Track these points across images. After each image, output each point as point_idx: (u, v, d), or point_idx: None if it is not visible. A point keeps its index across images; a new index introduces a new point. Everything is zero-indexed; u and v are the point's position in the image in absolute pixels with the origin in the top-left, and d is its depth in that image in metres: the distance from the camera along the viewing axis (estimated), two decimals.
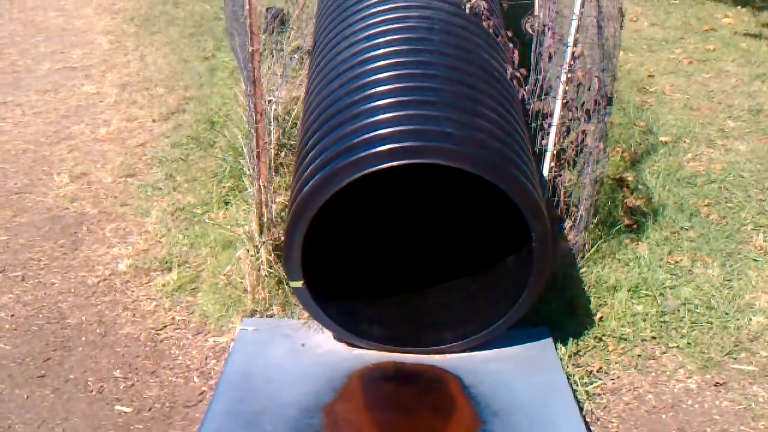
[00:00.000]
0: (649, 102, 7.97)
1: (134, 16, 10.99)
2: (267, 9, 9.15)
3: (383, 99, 4.15)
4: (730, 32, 11.02)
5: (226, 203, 5.83)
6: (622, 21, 5.05)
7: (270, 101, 5.66)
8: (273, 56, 7.40)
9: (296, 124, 6.27)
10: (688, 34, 10.80)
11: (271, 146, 5.36)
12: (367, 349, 4.40)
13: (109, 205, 6.01)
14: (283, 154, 5.88)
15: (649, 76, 8.81)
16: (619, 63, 5.35)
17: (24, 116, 7.60)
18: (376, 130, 3.96)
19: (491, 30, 4.90)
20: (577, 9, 4.64)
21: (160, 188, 6.18)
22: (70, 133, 7.22)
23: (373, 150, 3.86)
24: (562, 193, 4.97)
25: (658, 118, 7.51)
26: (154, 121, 7.43)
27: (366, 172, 3.85)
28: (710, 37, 10.69)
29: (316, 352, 4.42)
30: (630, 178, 6.17)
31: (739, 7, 12.56)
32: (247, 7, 4.61)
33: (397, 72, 4.34)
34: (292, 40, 8.34)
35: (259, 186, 4.73)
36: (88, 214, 5.89)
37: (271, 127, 5.49)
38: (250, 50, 4.61)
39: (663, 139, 7.04)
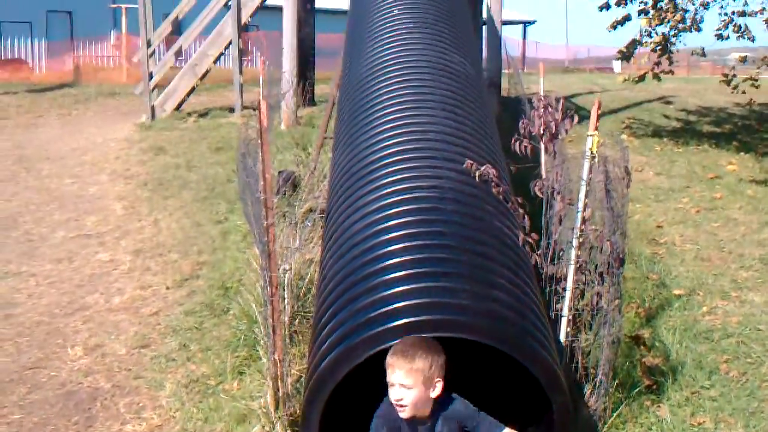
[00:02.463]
0: (660, 254, 8.00)
1: (148, 180, 11.21)
2: (279, 172, 9.34)
3: (397, 271, 4.17)
4: (735, 179, 11.16)
5: (241, 373, 5.77)
6: (629, 180, 5.12)
7: (284, 270, 5.69)
8: (286, 219, 7.50)
9: (310, 289, 6.29)
10: (693, 183, 10.94)
11: (286, 316, 5.36)
12: None
13: (122, 378, 5.96)
14: (297, 321, 5.87)
15: (658, 226, 8.88)
16: (627, 215, 5.39)
17: (38, 287, 7.65)
18: (391, 305, 3.96)
19: (501, 196, 4.97)
20: (585, 175, 4.71)
21: (174, 359, 6.15)
22: (85, 303, 7.25)
23: (389, 325, 3.86)
24: (580, 357, 4.93)
25: (670, 271, 7.52)
26: (167, 288, 7.46)
27: (382, 347, 3.84)
28: (716, 185, 10.82)
29: None
30: (646, 336, 6.11)
31: (742, 154, 12.79)
32: (261, 182, 4.69)
33: (411, 243, 4.37)
34: (304, 202, 8.48)
35: (275, 360, 4.70)
36: (101, 388, 5.83)
37: (286, 298, 5.50)
38: (264, 224, 4.67)
39: (676, 292, 7.02)
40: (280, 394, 4.72)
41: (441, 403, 3.93)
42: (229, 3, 16.86)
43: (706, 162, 12.25)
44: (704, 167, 11.84)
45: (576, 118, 5.12)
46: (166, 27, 17.33)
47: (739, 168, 11.81)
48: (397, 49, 6.42)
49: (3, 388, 5.85)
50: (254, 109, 15.94)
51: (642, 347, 5.91)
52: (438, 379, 3.86)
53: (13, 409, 5.60)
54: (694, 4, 13.42)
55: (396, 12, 7.02)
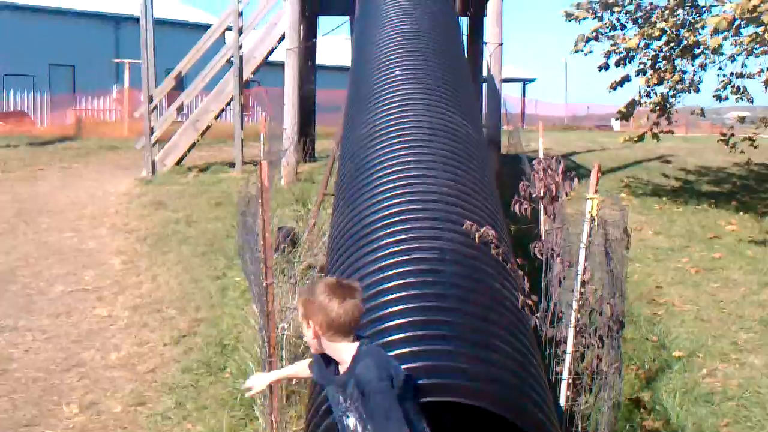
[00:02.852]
0: (659, 314, 7.98)
1: (147, 235, 11.21)
2: (278, 228, 9.34)
3: (395, 334, 4.15)
4: (734, 239, 11.16)
5: None
6: (629, 241, 5.12)
7: (283, 329, 5.67)
8: (284, 275, 7.48)
9: (309, 349, 6.25)
10: (693, 242, 10.94)
11: None
12: None
13: None
14: (294, 381, 5.83)
15: (658, 287, 8.87)
16: (626, 275, 5.38)
17: (35, 342, 7.61)
18: None
19: (501, 258, 4.97)
20: (584, 238, 4.71)
21: (170, 417, 6.09)
22: (81, 359, 7.21)
23: None
24: (580, 421, 4.88)
25: (670, 332, 7.50)
26: (164, 345, 7.43)
27: None
28: (715, 245, 10.82)
29: None
30: (646, 398, 6.08)
31: (742, 214, 12.80)
32: (261, 242, 4.69)
33: (409, 305, 4.35)
34: (303, 259, 8.47)
35: (271, 421, 4.67)
36: None
37: (284, 358, 5.47)
38: (264, 284, 4.66)
39: (676, 354, 6.99)
40: None
41: (355, 360, 3.47)
42: (232, 59, 17.02)
43: (706, 222, 12.27)
44: (704, 227, 11.86)
45: (576, 181, 5.13)
46: (168, 83, 17.46)
47: (738, 228, 11.83)
48: (398, 110, 6.46)
49: None
50: (254, 164, 16.05)
51: (642, 410, 5.88)
52: (306, 321, 3.55)
53: None
54: (692, 65, 13.55)
55: (398, 72, 7.08)
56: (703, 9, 13.00)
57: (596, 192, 4.77)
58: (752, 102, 14.19)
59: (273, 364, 4.70)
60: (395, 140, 6.06)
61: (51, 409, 6.32)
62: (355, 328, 3.52)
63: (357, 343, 3.50)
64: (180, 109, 18.24)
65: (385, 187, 5.62)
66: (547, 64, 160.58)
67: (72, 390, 6.64)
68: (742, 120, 16.47)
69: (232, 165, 17.07)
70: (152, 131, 16.80)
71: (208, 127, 17.32)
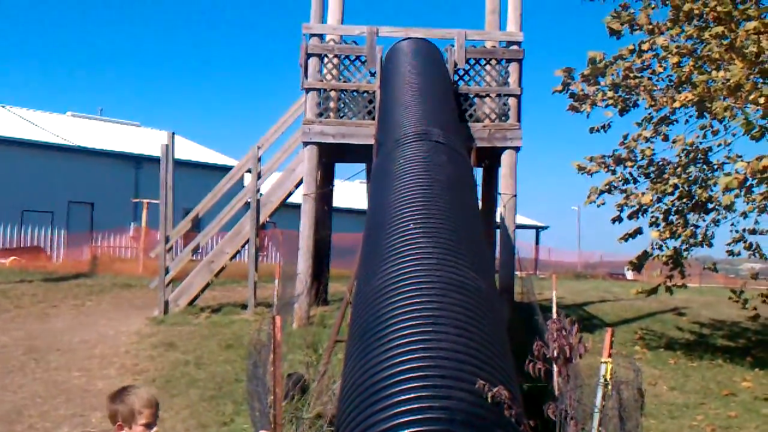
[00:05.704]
0: None
1: (156, 377, 11.14)
2: (288, 375, 9.28)
3: None
4: (750, 397, 11.02)
5: None
6: (643, 402, 5.06)
7: None
8: (293, 424, 7.40)
9: None
10: (708, 399, 10.79)
11: None
12: None
13: None
14: None
15: None
16: None
17: None
18: None
19: (514, 419, 4.90)
20: (598, 402, 4.67)
21: None
22: None
23: None
24: None
25: None
26: None
27: None
28: (731, 402, 10.67)
29: None
30: None
31: (757, 370, 12.66)
32: (270, 397, 4.66)
33: None
34: (312, 408, 8.38)
35: None
36: None
37: None
38: None
39: None
40: None
41: None
42: (249, 201, 17.28)
43: (721, 377, 12.12)
44: (719, 383, 11.71)
45: (590, 344, 5.12)
46: (185, 224, 17.68)
47: (753, 385, 11.67)
48: (410, 265, 6.50)
49: None
50: (267, 306, 16.11)
51: None
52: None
53: None
54: (704, 221, 13.67)
55: (411, 226, 7.16)
56: (715, 166, 13.21)
57: (610, 356, 4.76)
58: (766, 258, 14.22)
59: None
60: (407, 294, 6.07)
61: None
62: None
63: None
64: (195, 249, 18.41)
65: (396, 343, 5.62)
66: (560, 211, 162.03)
67: None
68: (755, 276, 16.47)
69: (244, 306, 17.08)
70: (167, 271, 16.90)
71: (222, 268, 17.43)
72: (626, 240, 14.25)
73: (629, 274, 37.60)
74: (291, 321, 14.55)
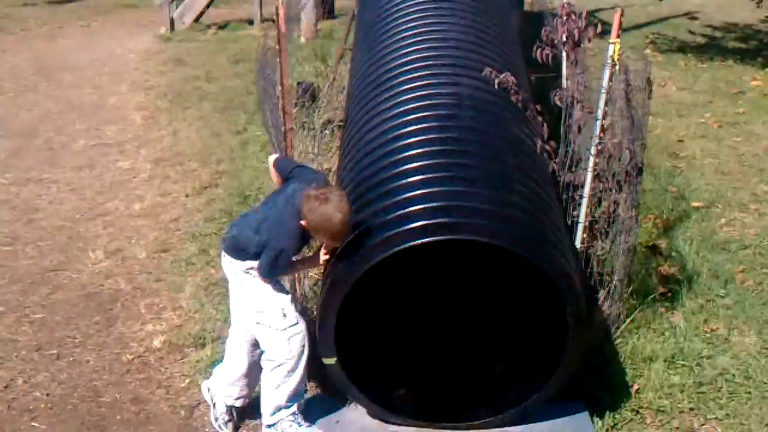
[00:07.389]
0: (680, 167, 7.96)
1: (167, 92, 11.17)
2: (298, 83, 9.28)
3: (414, 176, 4.19)
4: (759, 94, 11.01)
5: None
6: (651, 91, 5.07)
7: None
8: (305, 129, 7.50)
9: None
10: (716, 98, 10.79)
11: None
12: (401, 425, 4.36)
13: (143, 281, 6.06)
14: None
15: (679, 141, 8.81)
16: (648, 129, 5.36)
17: (60, 193, 7.72)
18: (407, 207, 3.98)
19: (520, 104, 4.94)
20: (605, 83, 4.67)
21: (194, 263, 6.23)
22: (105, 209, 7.33)
23: (405, 227, 3.88)
24: (595, 263, 4.95)
25: (690, 183, 7.50)
26: (187, 195, 7.52)
27: (398, 248, 3.87)
28: (739, 100, 10.68)
29: (350, 429, 4.39)
30: (663, 246, 6.14)
31: (767, 70, 12.57)
32: (279, 87, 4.68)
33: (427, 149, 4.38)
34: (323, 113, 8.45)
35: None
36: (122, 290, 5.94)
37: None
38: (283, 129, 4.67)
39: (695, 204, 7.01)
40: (298, 295, 4.78)
41: None
42: None
43: (730, 77, 12.05)
44: (728, 82, 11.66)
45: (600, 27, 5.05)
46: None
47: (763, 83, 11.62)
48: None
49: (26, 289, 5.98)
50: (273, 21, 15.75)
51: (658, 256, 5.95)
52: None
53: (35, 308, 5.73)
54: None
55: None
56: None
57: (618, 37, 4.69)
58: None
59: None
60: None
61: (77, 255, 6.48)
62: None
63: None
64: None
65: (404, 34, 5.59)
66: None
67: (97, 237, 6.78)
68: None
69: (251, 22, 16.81)
70: None
71: None
72: None
73: None
74: (298, 35, 14.37)
